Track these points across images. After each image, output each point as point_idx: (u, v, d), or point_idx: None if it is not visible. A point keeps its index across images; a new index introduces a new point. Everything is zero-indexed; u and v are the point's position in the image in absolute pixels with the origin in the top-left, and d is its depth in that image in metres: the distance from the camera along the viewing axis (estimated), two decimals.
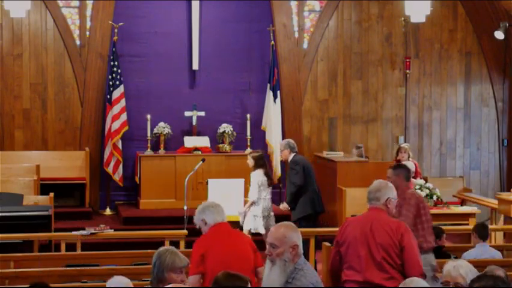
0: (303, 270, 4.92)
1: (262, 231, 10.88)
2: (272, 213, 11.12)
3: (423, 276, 5.74)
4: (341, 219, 12.18)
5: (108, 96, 13.66)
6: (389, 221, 5.97)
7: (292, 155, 11.09)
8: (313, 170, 11.24)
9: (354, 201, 12.25)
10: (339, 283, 6.06)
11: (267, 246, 4.98)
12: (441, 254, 8.34)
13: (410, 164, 12.19)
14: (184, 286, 4.85)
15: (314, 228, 11.02)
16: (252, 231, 10.86)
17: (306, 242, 9.78)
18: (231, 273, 4.48)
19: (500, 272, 5.85)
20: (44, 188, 12.29)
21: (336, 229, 11.62)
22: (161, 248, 5.29)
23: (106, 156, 13.58)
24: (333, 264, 6.15)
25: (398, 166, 7.69)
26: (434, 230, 8.39)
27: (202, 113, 13.97)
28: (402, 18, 14.57)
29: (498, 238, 11.73)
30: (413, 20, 13.42)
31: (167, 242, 9.90)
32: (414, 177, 12.09)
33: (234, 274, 4.48)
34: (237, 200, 11.21)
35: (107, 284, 5.18)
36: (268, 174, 11.21)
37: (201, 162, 11.56)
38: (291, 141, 11.25)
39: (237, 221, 11.16)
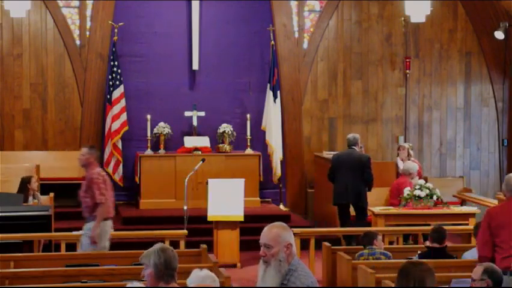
0: (297, 271, 4.87)
1: None
2: None
3: None
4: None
5: (108, 96, 13.67)
6: None
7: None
8: (347, 161, 11.72)
9: None
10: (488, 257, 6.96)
11: (261, 247, 4.94)
12: (445, 254, 8.33)
13: (413, 165, 12.19)
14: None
15: (342, 215, 11.70)
16: None
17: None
18: (415, 262, 4.84)
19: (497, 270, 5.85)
20: (44, 188, 12.29)
21: (336, 229, 11.78)
22: (164, 248, 5.16)
23: (106, 156, 13.58)
24: (485, 241, 7.03)
25: (92, 147, 9.52)
26: (440, 231, 8.37)
27: (202, 113, 13.97)
28: (402, 18, 14.57)
29: None
30: (413, 20, 13.42)
31: (167, 242, 9.91)
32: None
33: (419, 262, 4.85)
34: (237, 200, 11.21)
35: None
36: None
37: (201, 162, 11.57)
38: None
39: (239, 221, 11.20)
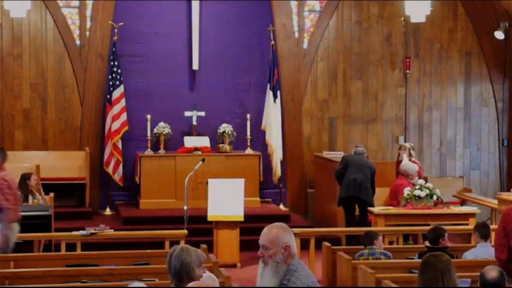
0: (297, 271, 4.86)
1: None
2: None
3: None
4: (341, 219, 12.19)
5: (108, 96, 13.67)
6: None
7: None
8: (358, 163, 11.89)
9: None
10: (502, 260, 6.96)
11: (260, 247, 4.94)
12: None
13: (412, 166, 12.15)
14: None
15: (350, 211, 11.80)
16: None
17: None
18: (435, 254, 5.03)
19: (494, 272, 5.84)
20: (44, 188, 12.28)
21: (336, 229, 11.79)
22: (176, 248, 5.14)
23: (106, 156, 13.58)
24: (499, 243, 7.02)
25: (1, 150, 9.36)
26: (436, 231, 8.38)
27: (202, 113, 13.97)
28: (402, 18, 14.57)
29: None
30: (413, 20, 13.42)
31: (167, 242, 9.91)
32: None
33: (439, 254, 5.03)
34: (237, 200, 11.21)
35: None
36: None
37: (201, 162, 11.56)
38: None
39: (239, 221, 11.20)
